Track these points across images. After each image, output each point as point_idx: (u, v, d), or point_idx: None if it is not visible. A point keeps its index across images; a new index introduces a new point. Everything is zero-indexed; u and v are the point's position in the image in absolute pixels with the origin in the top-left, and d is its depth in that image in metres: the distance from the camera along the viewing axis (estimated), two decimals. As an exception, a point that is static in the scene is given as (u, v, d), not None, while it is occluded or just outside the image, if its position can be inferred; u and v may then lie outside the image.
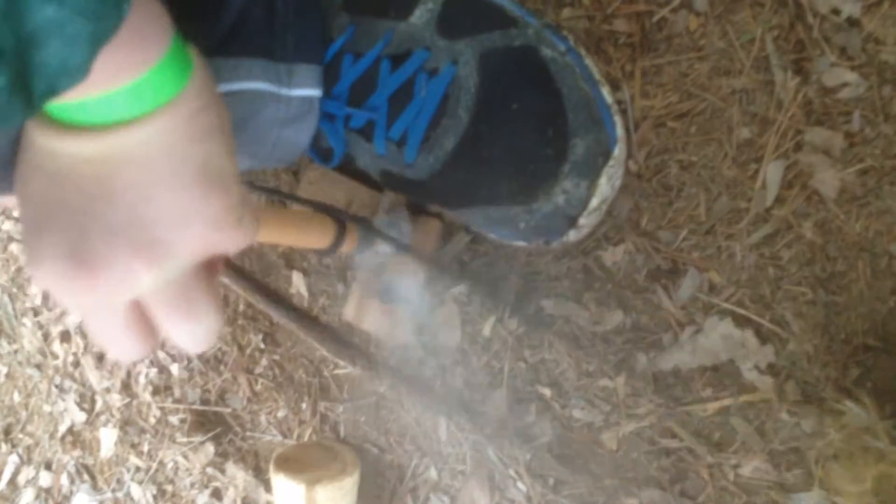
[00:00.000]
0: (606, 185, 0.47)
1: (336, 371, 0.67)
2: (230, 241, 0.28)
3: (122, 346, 0.28)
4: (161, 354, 0.77)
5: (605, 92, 0.46)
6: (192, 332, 0.28)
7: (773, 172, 0.49)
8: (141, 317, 0.27)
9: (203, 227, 0.26)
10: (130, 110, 0.24)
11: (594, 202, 0.47)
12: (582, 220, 0.48)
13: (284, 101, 0.46)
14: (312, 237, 0.48)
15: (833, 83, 0.47)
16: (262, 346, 0.71)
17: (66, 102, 0.23)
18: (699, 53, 0.50)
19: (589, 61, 0.47)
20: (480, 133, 0.46)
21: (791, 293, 0.50)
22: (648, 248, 0.53)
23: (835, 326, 0.50)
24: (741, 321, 0.52)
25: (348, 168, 0.62)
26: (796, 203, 0.49)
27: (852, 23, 0.46)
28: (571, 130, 0.45)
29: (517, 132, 0.46)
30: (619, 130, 0.47)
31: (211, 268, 0.30)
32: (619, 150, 0.47)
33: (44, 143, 0.24)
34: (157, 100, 0.24)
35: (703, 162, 0.51)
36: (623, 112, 0.52)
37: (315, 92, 0.47)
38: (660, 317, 0.54)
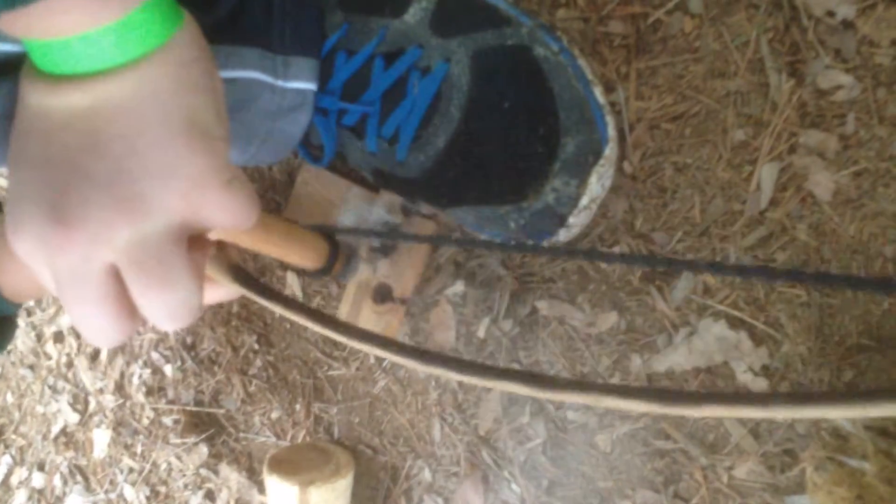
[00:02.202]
0: (597, 184, 0.47)
1: (330, 372, 0.67)
2: (217, 206, 0.27)
3: (98, 324, 0.27)
4: (155, 355, 0.76)
5: (598, 92, 0.46)
6: (167, 305, 0.27)
7: (767, 174, 0.49)
8: (118, 293, 0.26)
9: (185, 182, 0.25)
10: (117, 55, 0.24)
11: (584, 201, 0.47)
12: (572, 220, 0.48)
13: (279, 93, 0.46)
14: (307, 256, 0.47)
15: (827, 85, 0.47)
16: (256, 347, 0.70)
17: (53, 40, 0.23)
18: (694, 55, 0.50)
19: (582, 62, 0.46)
20: (472, 131, 0.46)
21: (785, 295, 0.50)
22: (643, 249, 0.53)
23: (829, 328, 0.50)
24: (735, 323, 0.52)
25: (341, 169, 0.61)
26: (791, 205, 0.49)
27: (847, 25, 0.46)
28: (563, 129, 0.45)
29: (508, 130, 0.46)
30: (611, 131, 0.47)
31: (199, 245, 0.29)
32: (610, 150, 0.47)
33: (35, 100, 0.24)
34: (144, 44, 0.24)
35: (697, 164, 0.51)
36: (618, 114, 0.51)
37: (310, 85, 0.47)
38: (654, 318, 0.54)
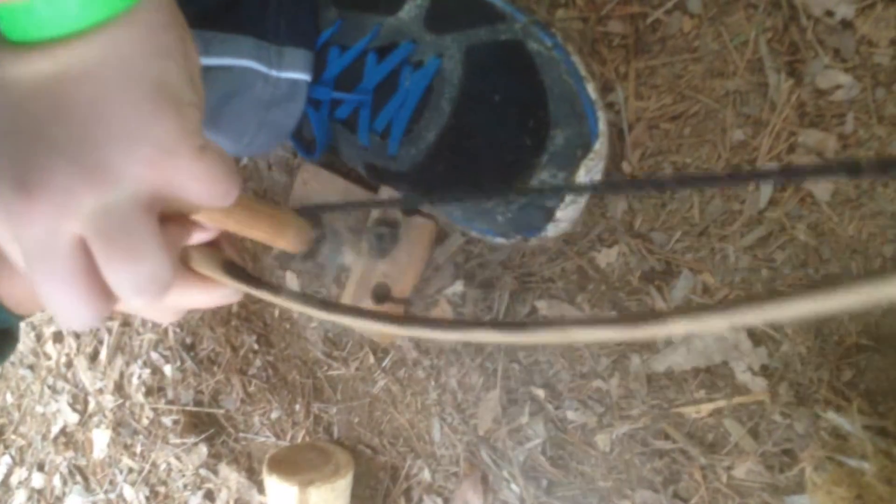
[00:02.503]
0: (585, 177, 0.46)
1: (330, 372, 0.67)
2: (189, 175, 0.26)
3: (69, 302, 0.26)
4: (154, 355, 0.76)
5: (590, 88, 0.46)
6: (134, 277, 0.25)
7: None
8: (88, 269, 0.25)
9: (152, 149, 0.25)
10: (82, 18, 0.24)
11: (571, 194, 0.47)
12: (559, 213, 0.47)
13: (272, 82, 0.47)
14: (293, 240, 0.47)
15: (826, 85, 0.47)
16: (256, 347, 0.70)
17: (16, 4, 0.23)
18: (693, 55, 0.50)
19: (576, 58, 0.46)
20: (462, 124, 0.46)
21: (784, 295, 0.50)
22: (642, 249, 0.53)
23: (828, 328, 0.50)
24: (735, 323, 0.51)
25: (340, 169, 0.61)
26: (790, 205, 0.49)
27: (846, 25, 0.46)
28: (552, 122, 0.45)
29: (498, 123, 0.46)
30: (602, 126, 0.46)
31: (178, 222, 0.28)
32: (600, 145, 0.46)
33: (5, 71, 0.24)
34: (110, 6, 0.24)
35: (696, 164, 0.51)
36: (617, 113, 0.52)
37: (303, 76, 0.47)
38: (653, 318, 0.54)
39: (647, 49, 0.51)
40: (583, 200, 0.48)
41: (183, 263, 0.33)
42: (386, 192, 0.57)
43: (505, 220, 0.48)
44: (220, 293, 0.33)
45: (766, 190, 0.49)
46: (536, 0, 0.53)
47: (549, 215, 0.48)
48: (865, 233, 0.48)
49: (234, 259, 0.33)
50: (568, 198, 0.47)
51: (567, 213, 0.48)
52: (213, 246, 0.34)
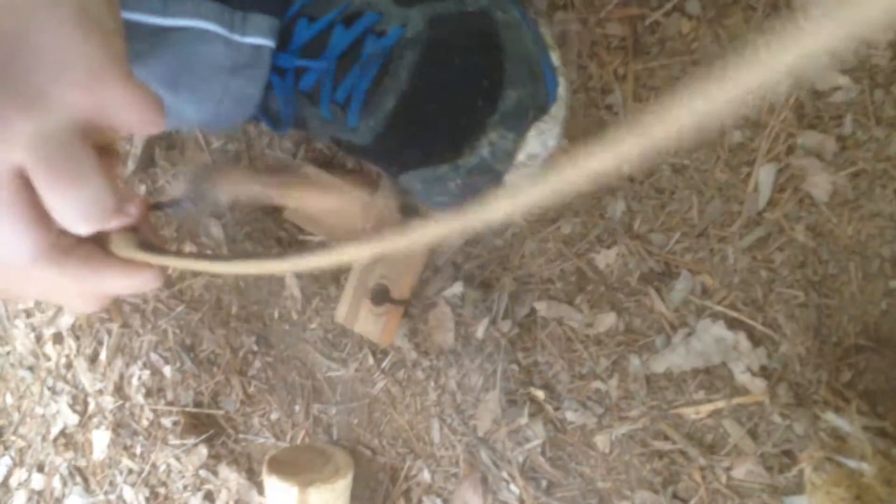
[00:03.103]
0: (536, 139, 0.45)
1: (329, 373, 0.67)
2: (121, 101, 0.26)
3: (9, 231, 0.26)
4: (154, 357, 0.76)
5: (554, 56, 0.45)
6: (78, 202, 0.26)
7: (765, 176, 0.49)
8: (29, 198, 0.26)
9: (83, 74, 0.25)
10: None
11: (521, 156, 0.46)
12: (508, 178, 0.46)
13: (234, 47, 0.46)
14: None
15: (825, 87, 0.47)
16: (255, 348, 0.70)
17: None
18: (691, 57, 0.50)
19: (544, 29, 0.46)
20: (419, 91, 0.46)
21: (783, 296, 0.50)
22: (641, 250, 0.53)
23: (827, 329, 0.50)
24: (734, 324, 0.52)
25: (340, 169, 0.61)
26: (788, 206, 0.49)
27: (844, 26, 0.46)
28: (506, 81, 0.44)
29: (454, 87, 0.45)
30: (562, 91, 0.45)
31: (109, 155, 0.29)
32: (556, 109, 0.45)
33: None
34: None
35: (695, 165, 0.51)
36: (615, 115, 0.52)
37: (267, 42, 0.47)
38: (652, 319, 0.54)
39: (645, 51, 0.51)
40: (535, 165, 0.47)
41: (102, 247, 0.33)
42: (382, 201, 0.57)
43: (456, 186, 0.47)
44: (142, 278, 0.34)
45: (765, 191, 0.49)
46: (534, 1, 0.53)
47: (497, 178, 0.47)
48: (864, 233, 0.48)
49: (153, 241, 0.34)
50: (518, 159, 0.46)
51: (517, 178, 0.47)
52: (132, 230, 0.34)
